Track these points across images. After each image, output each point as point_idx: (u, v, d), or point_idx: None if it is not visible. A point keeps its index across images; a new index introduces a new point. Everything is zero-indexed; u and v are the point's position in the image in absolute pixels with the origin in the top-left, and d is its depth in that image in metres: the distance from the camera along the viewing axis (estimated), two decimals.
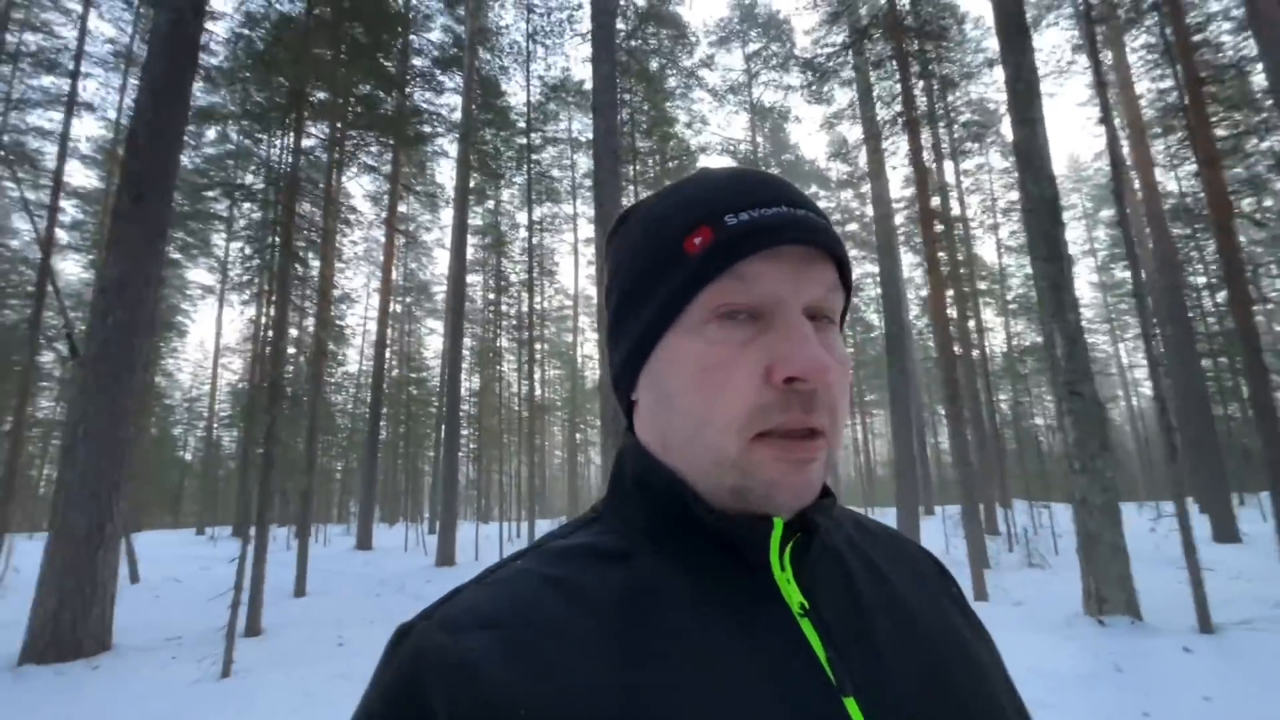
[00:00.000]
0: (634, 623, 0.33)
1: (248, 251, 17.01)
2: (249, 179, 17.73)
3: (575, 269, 27.57)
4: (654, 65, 18.82)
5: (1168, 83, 12.44)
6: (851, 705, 0.32)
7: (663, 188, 0.43)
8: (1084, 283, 33.52)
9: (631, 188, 19.52)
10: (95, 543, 5.38)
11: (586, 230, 26.13)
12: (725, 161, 19.54)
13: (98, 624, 5.40)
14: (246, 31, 12.40)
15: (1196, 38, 9.89)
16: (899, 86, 9.50)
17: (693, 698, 0.31)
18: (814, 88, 18.33)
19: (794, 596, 0.36)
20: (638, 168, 19.30)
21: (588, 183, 21.96)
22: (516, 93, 16.98)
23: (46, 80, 13.82)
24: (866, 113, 15.53)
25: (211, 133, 17.55)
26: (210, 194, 17.34)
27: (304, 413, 10.71)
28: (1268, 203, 14.61)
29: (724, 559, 0.36)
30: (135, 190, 5.66)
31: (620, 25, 17.75)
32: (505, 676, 0.31)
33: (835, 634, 0.35)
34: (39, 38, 13.67)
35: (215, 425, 28.09)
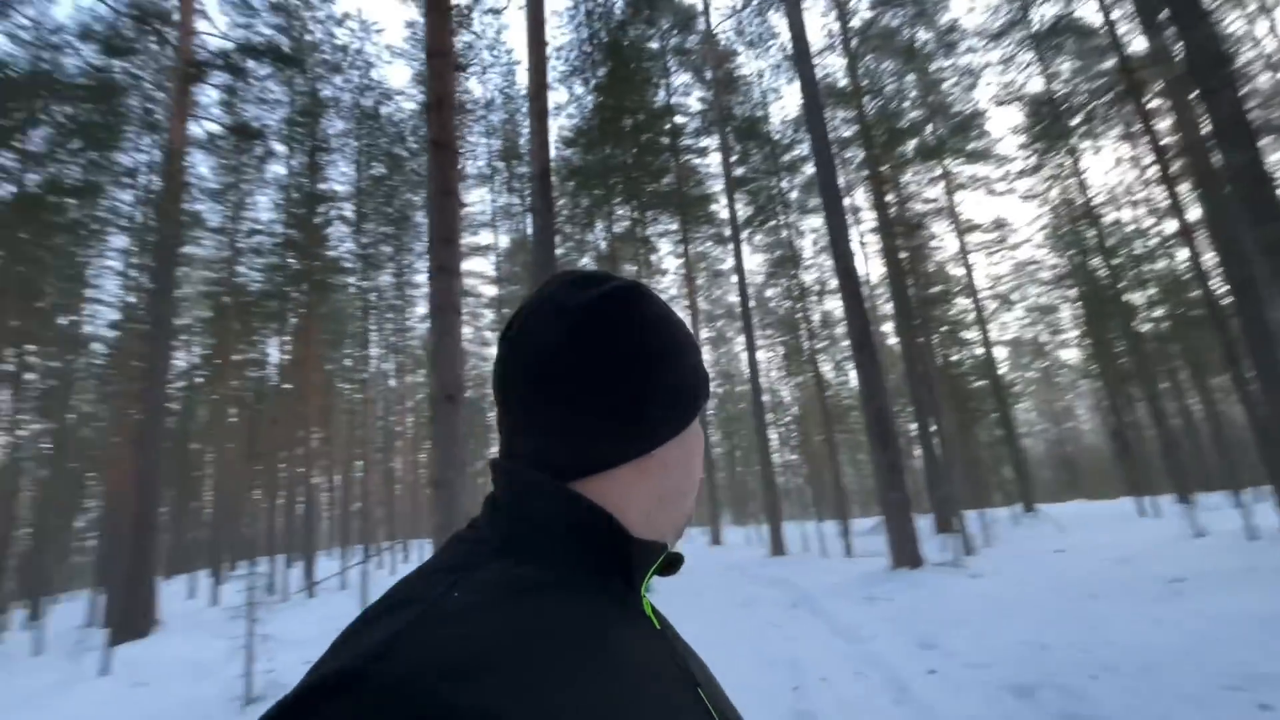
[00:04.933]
0: (598, 646, 0.37)
1: None
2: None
3: (865, 266, 26.94)
4: (904, 36, 18.17)
5: None
6: (702, 694, 0.43)
7: (669, 318, 0.48)
8: None
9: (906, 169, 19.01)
10: None
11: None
12: (1014, 110, 17.43)
13: None
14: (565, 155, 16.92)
15: None
16: None
17: (655, 702, 0.38)
18: None
19: (651, 616, 0.45)
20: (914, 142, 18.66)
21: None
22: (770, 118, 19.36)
23: None
24: None
25: None
26: None
27: None
28: None
29: (624, 588, 0.43)
30: (448, 393, 6.89)
31: (868, 11, 17.77)
32: None
33: (673, 643, 0.45)
34: None
35: None
